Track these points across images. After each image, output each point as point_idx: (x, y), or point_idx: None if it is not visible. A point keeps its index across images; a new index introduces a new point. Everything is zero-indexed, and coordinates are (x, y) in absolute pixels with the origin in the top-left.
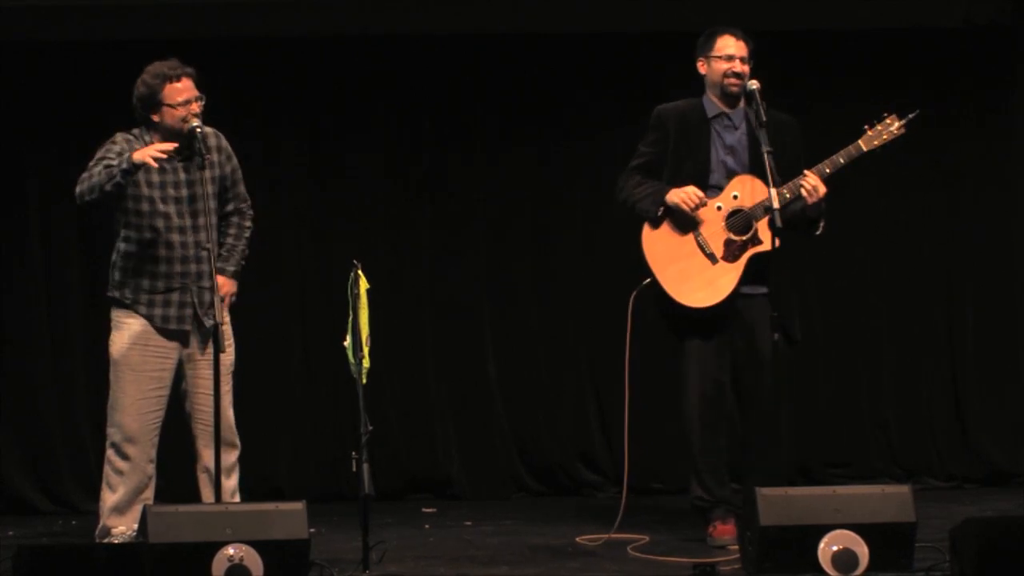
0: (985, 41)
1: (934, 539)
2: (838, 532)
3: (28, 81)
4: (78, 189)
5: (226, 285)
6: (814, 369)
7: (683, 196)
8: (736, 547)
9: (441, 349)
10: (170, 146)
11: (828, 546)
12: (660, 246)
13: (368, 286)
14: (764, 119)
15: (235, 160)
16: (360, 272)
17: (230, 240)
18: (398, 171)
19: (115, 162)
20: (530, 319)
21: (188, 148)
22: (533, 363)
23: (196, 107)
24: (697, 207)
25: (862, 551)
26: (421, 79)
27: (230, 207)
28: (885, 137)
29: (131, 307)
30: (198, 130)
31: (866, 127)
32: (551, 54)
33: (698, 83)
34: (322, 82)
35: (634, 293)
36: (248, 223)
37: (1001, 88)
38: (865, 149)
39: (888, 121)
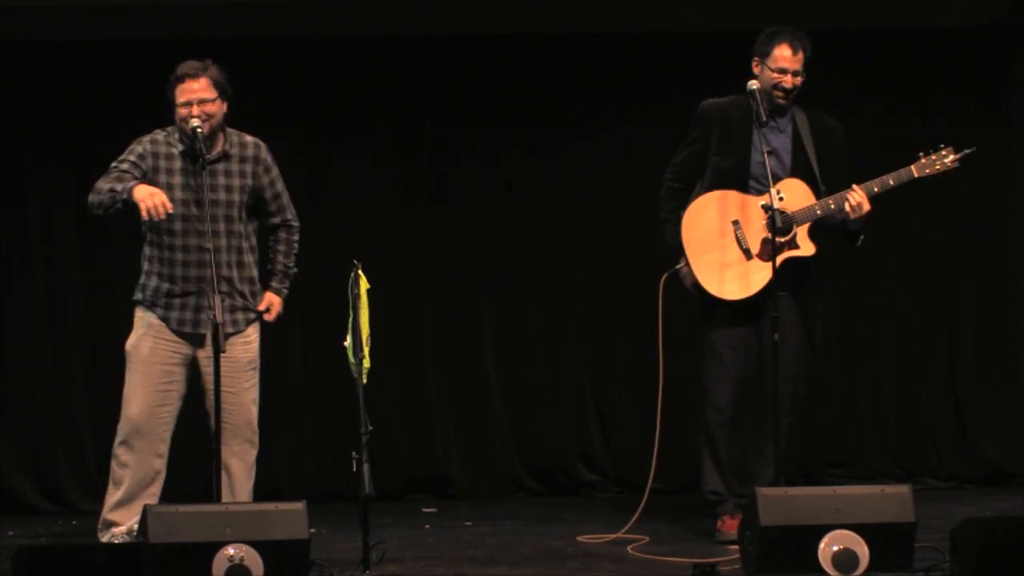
0: (984, 41)
1: (934, 539)
2: (838, 532)
3: (28, 81)
4: (89, 198)
5: (276, 306)
6: (814, 369)
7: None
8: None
9: (441, 349)
10: (166, 209)
11: (828, 546)
12: (699, 234)
13: (368, 286)
14: (764, 119)
15: (275, 172)
16: (360, 272)
17: (281, 259)
18: (398, 171)
19: (119, 188)
20: (530, 319)
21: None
22: (533, 363)
23: (196, 110)
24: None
25: (862, 551)
26: (421, 79)
27: (275, 220)
28: (938, 167)
29: (150, 308)
30: (199, 131)
31: (920, 154)
32: (551, 54)
33: (698, 83)
34: (322, 82)
35: (664, 276)
36: (296, 238)
37: (1001, 88)
38: (916, 175)
39: (944, 152)
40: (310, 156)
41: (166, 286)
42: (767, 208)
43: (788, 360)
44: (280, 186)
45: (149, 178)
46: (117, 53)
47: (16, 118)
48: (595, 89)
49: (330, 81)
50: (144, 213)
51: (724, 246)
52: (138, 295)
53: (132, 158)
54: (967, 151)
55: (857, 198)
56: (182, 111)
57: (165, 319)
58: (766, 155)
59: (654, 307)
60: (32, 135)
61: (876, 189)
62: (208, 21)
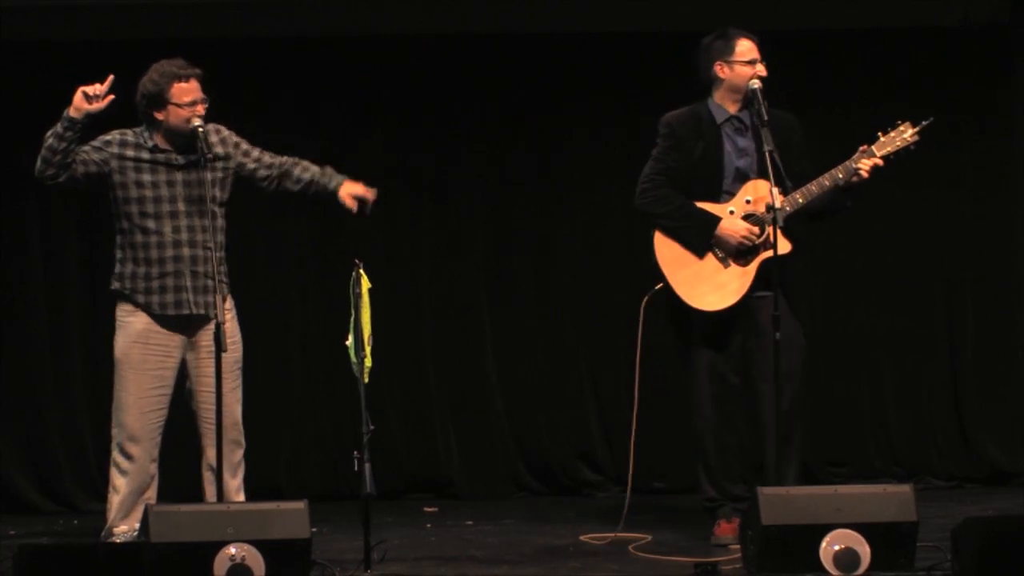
0: (984, 41)
1: (935, 539)
2: (840, 531)
3: (28, 81)
4: (36, 169)
5: (353, 188)
6: (814, 369)
7: (739, 239)
8: (737, 546)
9: (441, 349)
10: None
11: (830, 545)
12: (672, 250)
13: (370, 285)
14: (766, 118)
15: (243, 143)
16: (362, 271)
17: (310, 167)
18: (398, 171)
19: (49, 131)
20: (530, 319)
21: (191, 148)
22: (533, 363)
23: (201, 109)
24: (755, 240)
25: (864, 550)
26: (421, 79)
27: (274, 171)
28: (899, 144)
29: (129, 297)
30: (200, 130)
31: (879, 133)
32: (551, 54)
33: (698, 83)
34: (323, 82)
35: (646, 298)
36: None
37: (1001, 88)
38: (878, 154)
39: (901, 128)
40: (310, 156)
41: (142, 269)
42: (769, 208)
43: (782, 359)
44: (254, 148)
45: (112, 166)
46: (118, 53)
47: (16, 118)
48: (595, 89)
49: (331, 81)
50: (84, 100)
51: (699, 258)
52: (115, 284)
53: (95, 143)
54: (925, 123)
55: (869, 164)
56: (185, 111)
57: (147, 305)
58: (768, 153)
59: (662, 310)
60: (32, 135)
61: (841, 176)
62: (208, 21)
